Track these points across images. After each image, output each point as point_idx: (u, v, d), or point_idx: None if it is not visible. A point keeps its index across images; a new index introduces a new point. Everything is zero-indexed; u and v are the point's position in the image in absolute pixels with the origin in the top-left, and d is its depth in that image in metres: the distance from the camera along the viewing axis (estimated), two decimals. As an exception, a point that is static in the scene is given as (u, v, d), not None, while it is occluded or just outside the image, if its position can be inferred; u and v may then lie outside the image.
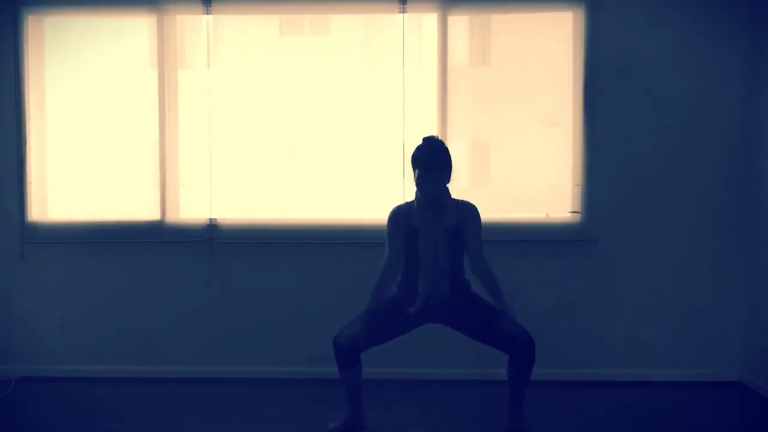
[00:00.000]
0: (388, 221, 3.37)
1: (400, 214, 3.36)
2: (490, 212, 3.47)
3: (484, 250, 3.32)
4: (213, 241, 4.38)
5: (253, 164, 4.47)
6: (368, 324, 3.28)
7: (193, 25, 4.49)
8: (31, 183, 4.41)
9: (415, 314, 3.30)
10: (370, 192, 4.42)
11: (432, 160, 3.23)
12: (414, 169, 3.27)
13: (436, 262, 3.25)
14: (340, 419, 3.46)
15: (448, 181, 3.30)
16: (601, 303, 4.31)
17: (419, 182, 3.25)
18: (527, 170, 4.37)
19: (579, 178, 4.30)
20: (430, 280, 3.26)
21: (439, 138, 3.35)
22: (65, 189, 4.52)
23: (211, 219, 4.40)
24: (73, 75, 4.48)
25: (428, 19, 4.38)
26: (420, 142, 3.31)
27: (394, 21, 4.34)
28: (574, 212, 4.32)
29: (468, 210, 3.31)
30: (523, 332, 3.22)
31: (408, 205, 3.38)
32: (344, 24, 4.54)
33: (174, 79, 4.45)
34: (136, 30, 4.49)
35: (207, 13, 4.35)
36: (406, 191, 4.28)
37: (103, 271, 4.41)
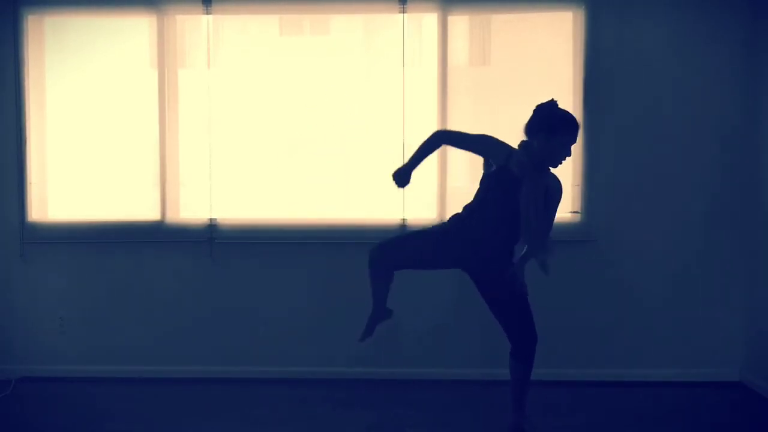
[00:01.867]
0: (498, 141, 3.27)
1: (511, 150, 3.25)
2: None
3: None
4: (213, 241, 4.38)
5: (253, 164, 4.47)
6: (404, 243, 3.31)
7: (193, 25, 4.49)
8: (31, 183, 4.41)
9: (445, 240, 3.24)
10: (371, 192, 4.42)
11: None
12: (555, 133, 3.25)
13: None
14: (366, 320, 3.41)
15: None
16: (601, 303, 4.31)
17: (561, 150, 3.22)
18: (527, 170, 4.36)
19: (579, 178, 4.30)
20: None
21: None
22: (65, 189, 4.52)
23: (211, 219, 4.40)
24: (73, 75, 4.48)
25: (428, 19, 4.38)
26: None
27: (394, 21, 4.34)
28: (574, 212, 4.32)
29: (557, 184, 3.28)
30: (527, 326, 3.24)
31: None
32: (344, 24, 4.55)
33: (174, 79, 4.45)
34: (136, 30, 4.49)
35: (207, 13, 4.35)
36: (407, 191, 4.28)
37: (103, 271, 4.41)
